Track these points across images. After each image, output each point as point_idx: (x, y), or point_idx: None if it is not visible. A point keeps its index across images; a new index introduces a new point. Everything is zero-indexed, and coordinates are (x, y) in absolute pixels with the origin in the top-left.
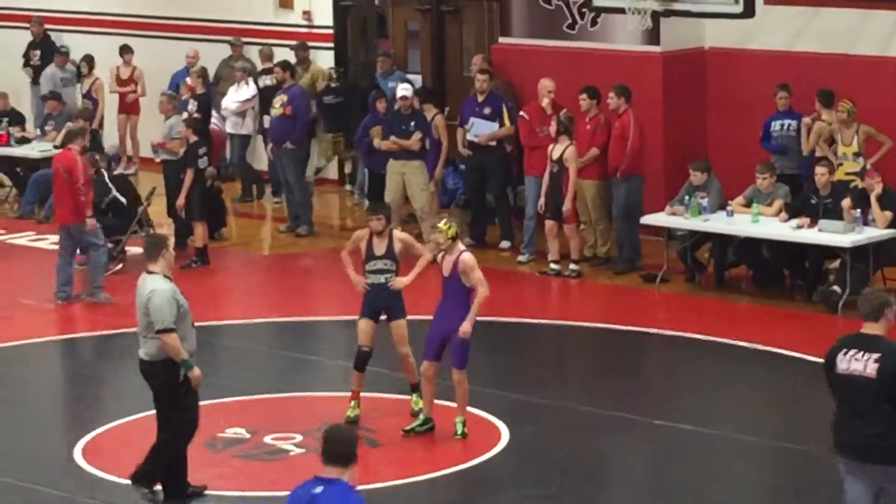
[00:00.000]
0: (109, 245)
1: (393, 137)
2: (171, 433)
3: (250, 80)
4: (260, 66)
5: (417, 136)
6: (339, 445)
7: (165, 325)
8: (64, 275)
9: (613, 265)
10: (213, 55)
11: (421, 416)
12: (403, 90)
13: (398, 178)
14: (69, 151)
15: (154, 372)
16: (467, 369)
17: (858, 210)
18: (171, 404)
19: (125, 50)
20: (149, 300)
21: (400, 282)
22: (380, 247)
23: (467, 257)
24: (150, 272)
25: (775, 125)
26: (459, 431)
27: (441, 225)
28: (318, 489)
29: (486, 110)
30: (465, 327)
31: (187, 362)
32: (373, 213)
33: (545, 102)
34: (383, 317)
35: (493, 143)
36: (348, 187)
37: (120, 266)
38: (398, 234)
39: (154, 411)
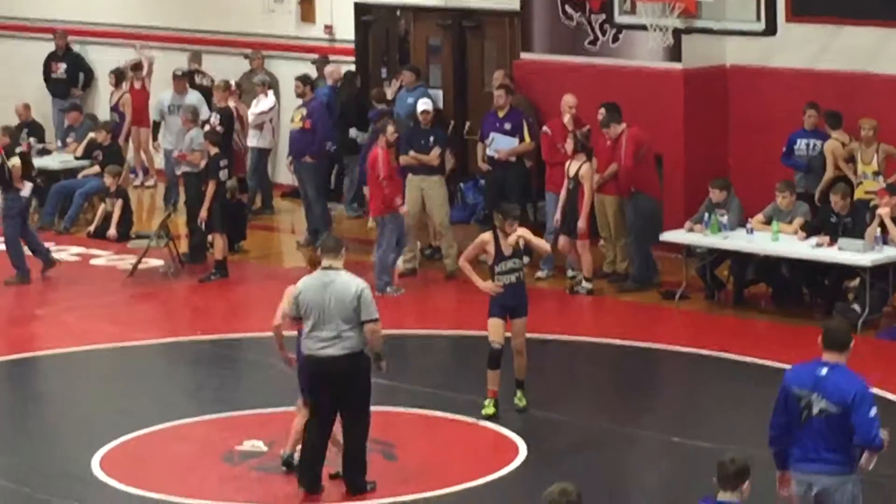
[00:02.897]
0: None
1: (412, 152)
2: (366, 425)
3: (270, 92)
4: (188, 68)
5: (436, 151)
6: (837, 335)
7: (377, 315)
8: (380, 265)
9: (622, 283)
10: (233, 69)
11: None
12: (424, 105)
13: (417, 193)
14: (376, 148)
15: (357, 364)
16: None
17: (879, 229)
18: (367, 395)
19: (137, 65)
20: (361, 293)
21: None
22: (508, 247)
23: None
24: (334, 268)
25: (800, 143)
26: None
27: None
28: (823, 371)
29: (507, 126)
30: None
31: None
32: (505, 219)
33: (566, 119)
34: None
35: (513, 159)
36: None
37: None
38: (519, 230)
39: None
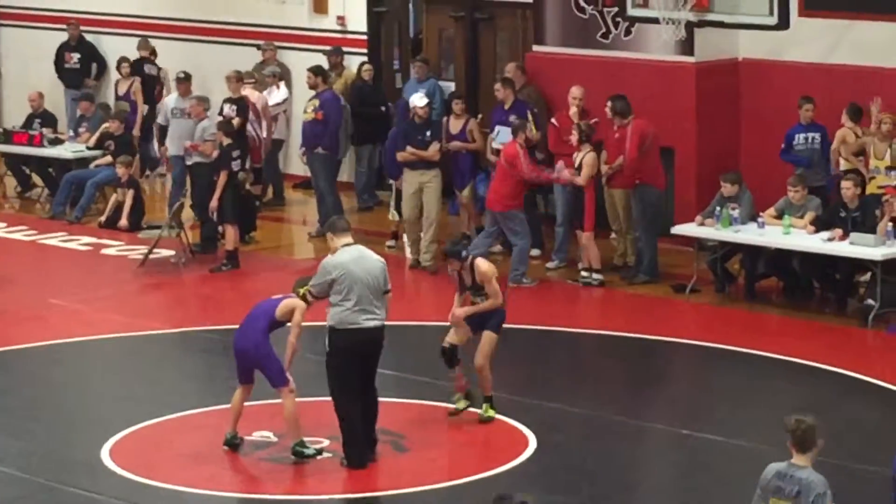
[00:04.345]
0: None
1: (410, 148)
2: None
3: (282, 84)
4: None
5: (436, 146)
6: None
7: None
8: (520, 256)
9: (630, 275)
10: (245, 60)
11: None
12: (417, 100)
13: (416, 188)
14: (514, 144)
15: (384, 335)
16: None
17: (890, 224)
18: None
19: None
20: (385, 266)
21: (457, 312)
22: (467, 278)
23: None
24: (351, 244)
25: (799, 138)
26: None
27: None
28: None
29: (512, 118)
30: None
31: None
32: (447, 262)
33: (573, 111)
34: None
35: None
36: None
37: None
38: (479, 263)
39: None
